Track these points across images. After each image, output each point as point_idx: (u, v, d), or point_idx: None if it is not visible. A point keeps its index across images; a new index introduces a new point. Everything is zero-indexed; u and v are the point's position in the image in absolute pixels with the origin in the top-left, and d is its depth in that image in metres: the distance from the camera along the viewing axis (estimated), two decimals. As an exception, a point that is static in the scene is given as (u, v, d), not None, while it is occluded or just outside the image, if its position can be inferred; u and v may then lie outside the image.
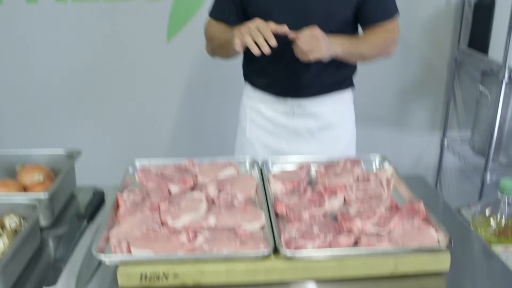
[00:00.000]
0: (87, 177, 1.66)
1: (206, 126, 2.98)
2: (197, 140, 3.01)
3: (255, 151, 1.94)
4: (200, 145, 3.01)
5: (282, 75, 1.81)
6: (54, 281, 1.16)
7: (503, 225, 1.42)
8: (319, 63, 1.70)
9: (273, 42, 1.48)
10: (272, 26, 1.53)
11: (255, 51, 1.49)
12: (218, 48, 1.84)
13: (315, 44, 1.57)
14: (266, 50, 1.48)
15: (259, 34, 1.48)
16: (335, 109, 1.90)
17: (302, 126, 1.88)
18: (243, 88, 2.01)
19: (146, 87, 2.90)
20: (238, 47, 1.53)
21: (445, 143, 3.10)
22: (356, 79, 1.96)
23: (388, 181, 1.43)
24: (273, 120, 1.90)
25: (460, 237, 1.30)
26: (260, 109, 1.92)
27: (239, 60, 1.96)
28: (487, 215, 1.45)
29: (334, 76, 1.84)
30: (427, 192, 1.59)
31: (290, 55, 1.64)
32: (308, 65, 1.73)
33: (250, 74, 1.94)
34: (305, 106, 1.85)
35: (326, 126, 1.90)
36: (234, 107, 2.11)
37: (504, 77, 2.44)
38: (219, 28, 1.81)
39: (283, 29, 1.56)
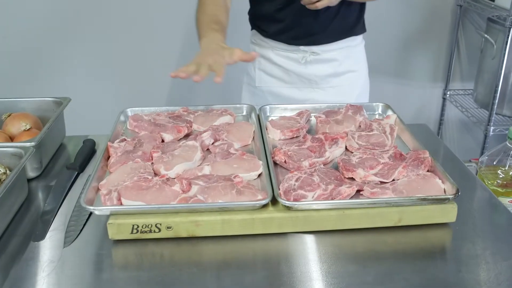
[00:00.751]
0: (78, 130, 1.59)
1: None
2: (195, 90, 2.92)
3: (266, 100, 1.86)
4: (199, 96, 2.93)
5: (293, 23, 1.73)
6: (42, 236, 1.11)
7: (511, 174, 1.37)
8: (329, 8, 1.63)
9: (218, 80, 1.32)
10: (238, 54, 1.40)
11: (194, 78, 1.32)
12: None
13: None
14: (195, 79, 1.31)
15: (205, 70, 1.33)
16: (348, 55, 1.82)
17: (316, 73, 1.81)
18: (251, 37, 1.92)
19: (142, 35, 2.80)
20: (176, 74, 1.32)
21: (448, 95, 3.03)
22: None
23: (391, 129, 1.37)
24: (285, 67, 1.82)
25: (465, 187, 1.24)
26: (270, 56, 1.83)
27: (243, 6, 1.86)
28: (494, 163, 1.40)
29: (346, 20, 1.76)
30: (431, 141, 1.53)
31: (299, 3, 1.55)
32: (317, 11, 1.62)
33: (259, 21, 1.84)
34: (318, 53, 1.78)
35: (340, 72, 1.83)
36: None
37: (511, 24, 2.35)
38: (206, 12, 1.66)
39: (251, 57, 1.43)
